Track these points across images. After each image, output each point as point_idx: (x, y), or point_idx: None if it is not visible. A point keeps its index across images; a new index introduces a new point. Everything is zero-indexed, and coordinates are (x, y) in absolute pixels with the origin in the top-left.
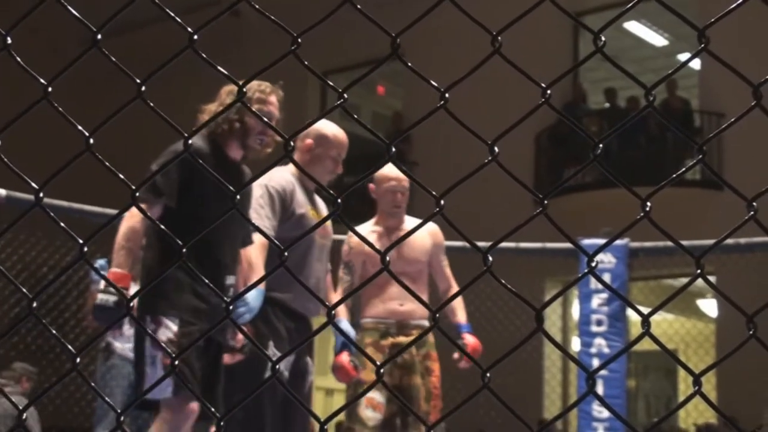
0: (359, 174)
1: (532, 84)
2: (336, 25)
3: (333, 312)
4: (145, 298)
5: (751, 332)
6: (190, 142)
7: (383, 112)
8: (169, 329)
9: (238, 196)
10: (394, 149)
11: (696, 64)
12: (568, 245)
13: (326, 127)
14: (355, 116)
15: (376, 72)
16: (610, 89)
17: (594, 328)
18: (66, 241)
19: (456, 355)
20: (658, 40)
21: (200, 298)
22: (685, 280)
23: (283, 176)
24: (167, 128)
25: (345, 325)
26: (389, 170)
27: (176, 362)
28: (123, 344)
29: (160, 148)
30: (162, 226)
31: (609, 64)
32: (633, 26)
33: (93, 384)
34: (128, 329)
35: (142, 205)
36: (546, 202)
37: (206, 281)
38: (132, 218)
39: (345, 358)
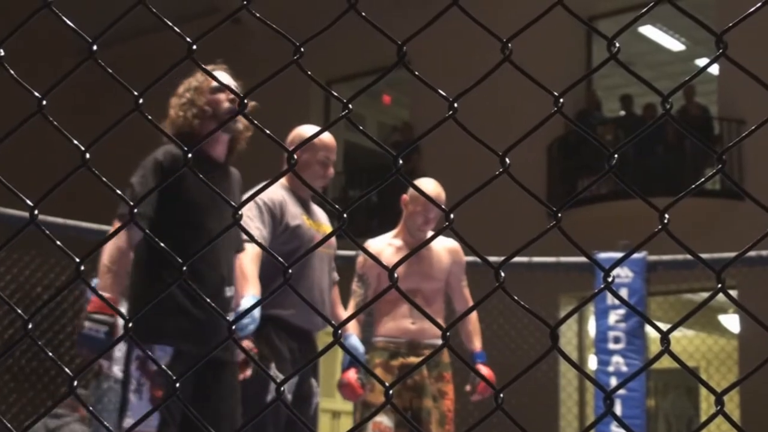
0: (365, 186)
1: (543, 91)
2: (339, 32)
3: (340, 331)
4: (134, 323)
5: None
6: (168, 149)
7: (389, 122)
8: (159, 360)
9: (234, 201)
10: (401, 161)
11: (714, 69)
12: (583, 259)
13: (309, 131)
14: (361, 128)
15: (382, 81)
16: (626, 96)
17: (611, 346)
18: (61, 259)
19: (468, 388)
20: (674, 44)
21: (192, 319)
22: (705, 295)
23: (271, 189)
24: (163, 139)
25: (354, 340)
26: (430, 190)
27: (164, 397)
28: (117, 367)
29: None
30: (164, 245)
31: (624, 69)
32: (648, 30)
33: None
34: (117, 352)
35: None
36: (560, 215)
37: (207, 299)
38: (118, 238)
39: (352, 375)
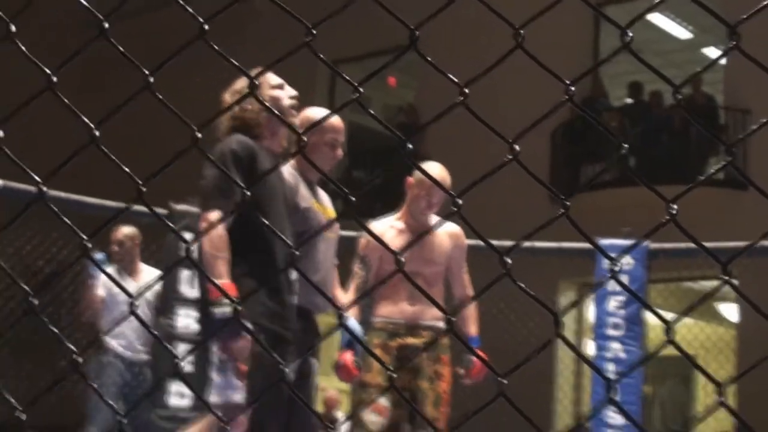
0: (369, 168)
1: (550, 77)
2: (346, 13)
3: (344, 314)
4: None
5: None
6: (240, 140)
7: (395, 104)
8: (244, 338)
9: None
10: (410, 146)
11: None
12: (585, 245)
13: (316, 114)
14: (371, 111)
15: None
16: (633, 83)
17: (610, 332)
18: (63, 233)
19: (461, 371)
20: (681, 32)
21: (274, 299)
22: (705, 282)
23: (285, 170)
24: (170, 116)
25: (352, 323)
26: (436, 174)
27: (259, 373)
28: (117, 341)
29: (161, 137)
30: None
31: (630, 56)
32: (656, 18)
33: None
34: (127, 326)
35: (216, 213)
36: (568, 202)
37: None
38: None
39: (349, 357)
